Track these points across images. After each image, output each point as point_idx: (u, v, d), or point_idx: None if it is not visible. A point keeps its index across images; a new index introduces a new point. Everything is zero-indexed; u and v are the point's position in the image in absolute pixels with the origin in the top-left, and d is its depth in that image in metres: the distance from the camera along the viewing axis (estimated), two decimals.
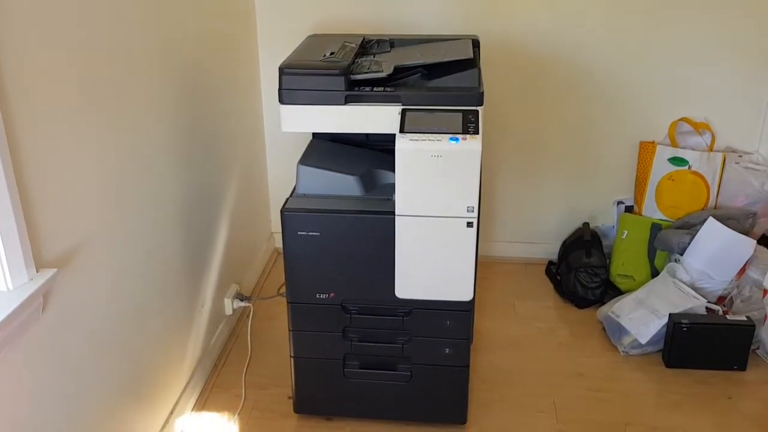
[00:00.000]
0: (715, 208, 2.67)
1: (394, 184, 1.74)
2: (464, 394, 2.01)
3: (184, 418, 2.07)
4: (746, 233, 2.45)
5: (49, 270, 1.34)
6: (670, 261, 2.57)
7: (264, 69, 2.81)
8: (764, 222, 2.61)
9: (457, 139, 1.68)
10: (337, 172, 1.89)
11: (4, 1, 1.21)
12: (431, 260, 1.81)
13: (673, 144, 2.72)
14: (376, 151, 2.02)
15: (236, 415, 2.12)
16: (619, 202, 2.87)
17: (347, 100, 1.75)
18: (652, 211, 2.74)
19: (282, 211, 1.83)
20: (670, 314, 2.31)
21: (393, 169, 1.72)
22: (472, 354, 2.06)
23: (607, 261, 2.75)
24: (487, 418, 2.10)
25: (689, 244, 2.48)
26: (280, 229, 1.85)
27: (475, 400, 2.13)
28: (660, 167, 2.69)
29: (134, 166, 1.73)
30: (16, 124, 1.25)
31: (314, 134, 2.11)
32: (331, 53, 1.86)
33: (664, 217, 2.71)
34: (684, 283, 2.43)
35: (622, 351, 2.39)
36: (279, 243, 2.83)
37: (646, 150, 2.73)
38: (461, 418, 2.05)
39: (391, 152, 1.70)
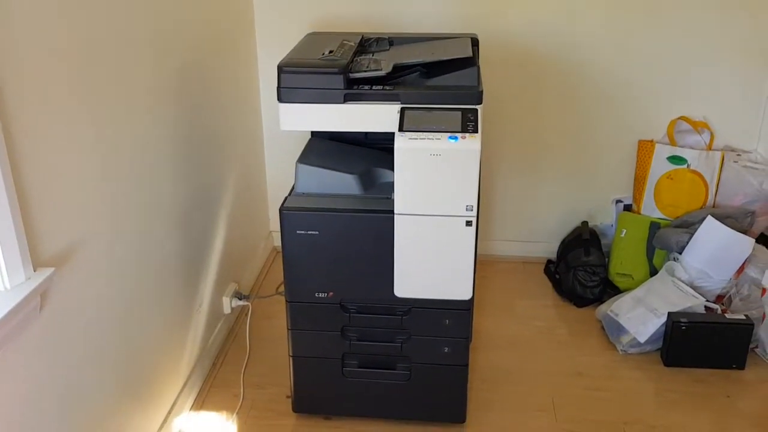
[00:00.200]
0: (713, 206, 2.67)
1: (393, 182, 1.74)
2: (463, 393, 2.01)
3: (182, 418, 2.07)
4: (745, 232, 2.45)
5: (47, 269, 1.34)
6: (669, 260, 2.57)
7: (263, 67, 2.80)
8: (763, 221, 2.61)
9: (456, 138, 1.67)
10: (336, 171, 1.89)
11: (3, 1, 1.21)
12: (430, 259, 1.81)
13: (672, 143, 2.72)
14: (375, 150, 2.01)
15: (235, 415, 2.12)
16: (618, 201, 2.87)
17: (346, 99, 1.74)
18: (650, 209, 2.73)
19: (281, 210, 1.83)
20: (668, 313, 2.31)
21: (392, 168, 1.72)
22: (471, 353, 2.05)
23: (606, 260, 2.75)
24: (486, 417, 2.10)
25: (688, 242, 2.48)
26: (278, 228, 1.85)
27: (474, 399, 2.13)
28: (659, 166, 2.69)
29: (132, 165, 1.73)
30: (13, 123, 1.24)
31: (313, 133, 2.11)
32: (330, 51, 1.86)
33: (663, 216, 2.71)
34: (683, 281, 2.43)
35: (621, 350, 2.39)
36: (278, 241, 2.82)
37: (644, 149, 2.73)
38: (460, 417, 2.04)
39: (390, 151, 1.70)
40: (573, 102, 2.76)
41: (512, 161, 2.88)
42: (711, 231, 2.44)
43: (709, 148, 2.71)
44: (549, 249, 2.96)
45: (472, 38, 2.08)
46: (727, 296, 2.47)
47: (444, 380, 1.98)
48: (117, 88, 1.63)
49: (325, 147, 2.04)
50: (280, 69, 1.75)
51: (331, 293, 1.90)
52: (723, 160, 2.66)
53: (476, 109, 1.73)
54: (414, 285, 1.86)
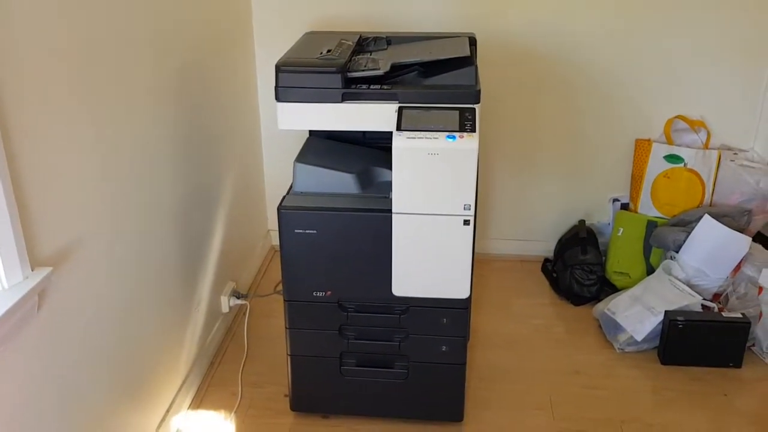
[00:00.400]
0: (710, 205, 2.68)
1: (390, 181, 1.74)
2: (461, 391, 2.02)
3: (180, 416, 2.07)
4: (741, 231, 2.46)
5: (45, 268, 1.34)
6: (666, 258, 2.57)
7: (260, 66, 2.80)
8: (759, 219, 2.62)
9: (454, 137, 1.68)
10: (334, 170, 1.89)
11: (3, 1, 1.20)
12: (428, 258, 1.81)
13: (669, 141, 2.73)
14: (372, 149, 2.02)
15: (233, 413, 2.12)
16: (615, 200, 2.87)
17: (344, 98, 1.75)
18: (647, 208, 2.74)
19: (279, 209, 1.83)
20: (665, 311, 2.31)
21: (390, 167, 1.72)
22: (469, 351, 2.06)
23: (603, 258, 2.75)
24: (484, 415, 2.10)
25: (685, 241, 2.48)
26: (276, 227, 1.85)
27: (471, 398, 2.14)
28: (655, 165, 2.70)
29: (130, 164, 1.73)
30: (11, 123, 1.24)
31: (311, 132, 2.11)
32: (328, 51, 1.86)
33: (660, 215, 2.72)
34: (679, 280, 2.44)
35: (618, 348, 2.40)
36: (276, 240, 2.82)
37: (641, 147, 2.74)
38: (458, 416, 2.05)
39: (388, 150, 1.70)
40: (570, 101, 2.76)
41: (510, 160, 2.88)
42: (708, 229, 2.44)
43: (706, 146, 2.72)
44: (546, 248, 2.97)
45: (469, 37, 2.08)
46: (723, 295, 2.47)
47: (442, 379, 1.99)
48: (117, 88, 1.64)
49: (323, 146, 2.04)
50: (278, 68, 1.76)
51: (329, 292, 1.91)
52: (720, 158, 2.67)
53: (474, 109, 1.73)
54: (412, 284, 1.86)
